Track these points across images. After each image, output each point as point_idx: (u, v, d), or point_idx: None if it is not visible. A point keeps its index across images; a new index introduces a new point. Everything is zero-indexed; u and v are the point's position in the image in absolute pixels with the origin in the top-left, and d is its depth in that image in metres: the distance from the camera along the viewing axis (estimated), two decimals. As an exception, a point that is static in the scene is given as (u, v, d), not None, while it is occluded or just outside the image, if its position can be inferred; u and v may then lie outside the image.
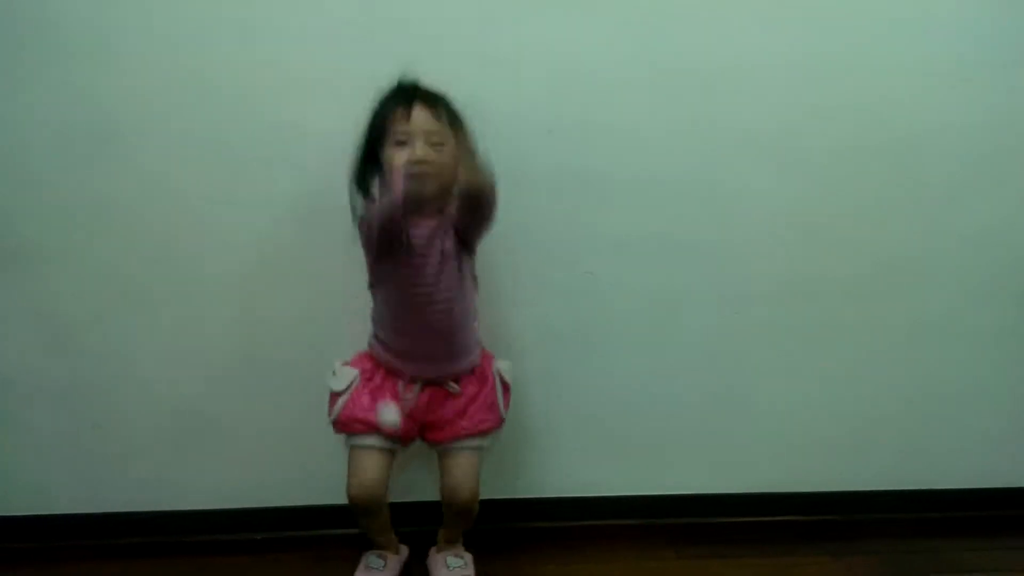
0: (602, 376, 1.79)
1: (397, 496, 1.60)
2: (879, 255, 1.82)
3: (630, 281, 1.75)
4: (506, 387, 1.55)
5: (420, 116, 1.37)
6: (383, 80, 1.45)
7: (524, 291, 1.72)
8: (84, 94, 1.59)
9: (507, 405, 1.55)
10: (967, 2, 1.72)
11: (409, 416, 1.47)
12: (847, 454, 1.89)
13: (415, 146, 1.35)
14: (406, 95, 1.40)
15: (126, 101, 1.60)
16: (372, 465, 1.47)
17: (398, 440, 1.49)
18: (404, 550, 1.64)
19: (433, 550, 1.62)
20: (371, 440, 1.47)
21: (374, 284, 1.47)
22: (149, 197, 1.64)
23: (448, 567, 1.57)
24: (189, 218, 1.66)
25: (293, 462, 1.76)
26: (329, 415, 1.50)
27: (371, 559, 1.58)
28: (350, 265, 1.53)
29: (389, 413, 1.44)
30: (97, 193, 1.63)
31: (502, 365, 1.55)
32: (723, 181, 1.74)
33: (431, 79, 1.45)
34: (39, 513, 1.74)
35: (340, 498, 1.66)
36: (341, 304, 1.66)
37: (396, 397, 1.46)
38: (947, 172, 1.80)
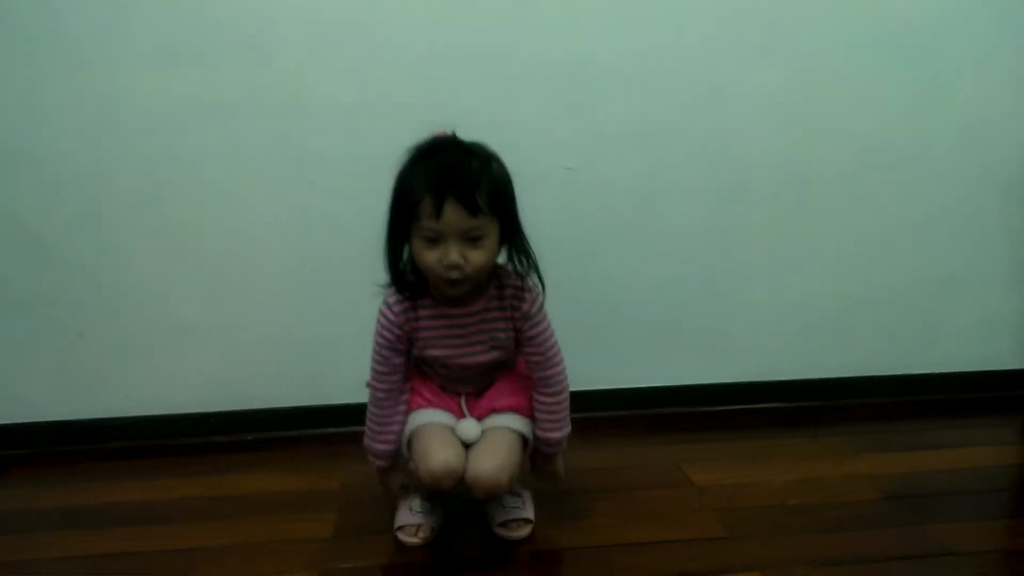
0: (589, 272, 1.79)
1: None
2: (862, 146, 1.82)
3: (612, 174, 1.75)
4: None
5: (454, 214, 1.15)
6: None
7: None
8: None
9: None
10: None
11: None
12: (831, 342, 1.93)
13: (448, 248, 1.17)
14: (437, 182, 1.16)
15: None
16: (449, 439, 1.29)
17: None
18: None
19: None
20: (439, 415, 1.34)
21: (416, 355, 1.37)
22: (123, 99, 1.61)
23: (504, 507, 1.40)
24: (165, 122, 1.63)
25: (277, 364, 1.78)
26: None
27: (415, 503, 1.40)
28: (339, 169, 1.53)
29: (472, 428, 1.31)
30: (73, 97, 1.60)
31: None
32: (710, 68, 1.73)
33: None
34: (25, 421, 1.75)
35: (323, 399, 1.74)
36: (330, 205, 1.68)
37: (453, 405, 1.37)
38: (936, 61, 1.79)
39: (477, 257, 1.19)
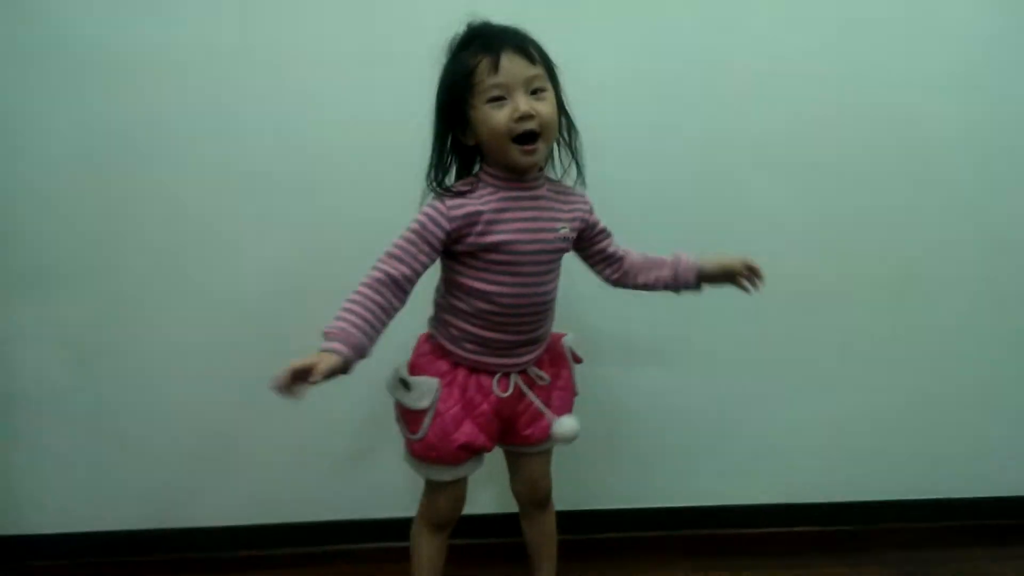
0: (618, 389, 1.79)
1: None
2: (894, 262, 1.82)
3: (649, 297, 1.76)
4: (578, 362, 1.39)
5: (513, 63, 1.12)
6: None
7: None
8: (104, 120, 1.63)
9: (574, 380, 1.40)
10: (974, 8, 1.73)
11: (497, 415, 1.27)
12: (863, 463, 1.89)
13: (516, 99, 1.13)
14: (487, 41, 1.14)
15: (145, 126, 1.64)
16: (460, 493, 1.32)
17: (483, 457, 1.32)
18: None
19: None
20: (467, 471, 1.29)
21: (460, 284, 1.24)
22: (170, 221, 1.68)
23: None
24: (209, 241, 1.69)
25: (312, 479, 1.78)
26: (412, 434, 1.25)
27: None
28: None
29: (570, 424, 1.26)
30: (119, 217, 1.67)
31: (570, 339, 1.38)
32: (735, 189, 1.76)
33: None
34: (65, 532, 1.76)
35: (358, 513, 1.73)
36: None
37: (485, 393, 1.25)
38: (961, 178, 1.80)
39: (546, 108, 1.15)
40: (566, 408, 1.34)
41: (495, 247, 1.18)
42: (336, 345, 1.09)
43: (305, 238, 1.69)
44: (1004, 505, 1.92)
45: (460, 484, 1.31)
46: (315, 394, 1.67)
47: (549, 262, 1.24)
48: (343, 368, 1.10)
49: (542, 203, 1.23)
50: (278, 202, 1.68)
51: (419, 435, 1.24)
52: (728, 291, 1.76)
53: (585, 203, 1.31)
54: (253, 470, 1.77)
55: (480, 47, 1.15)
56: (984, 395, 1.89)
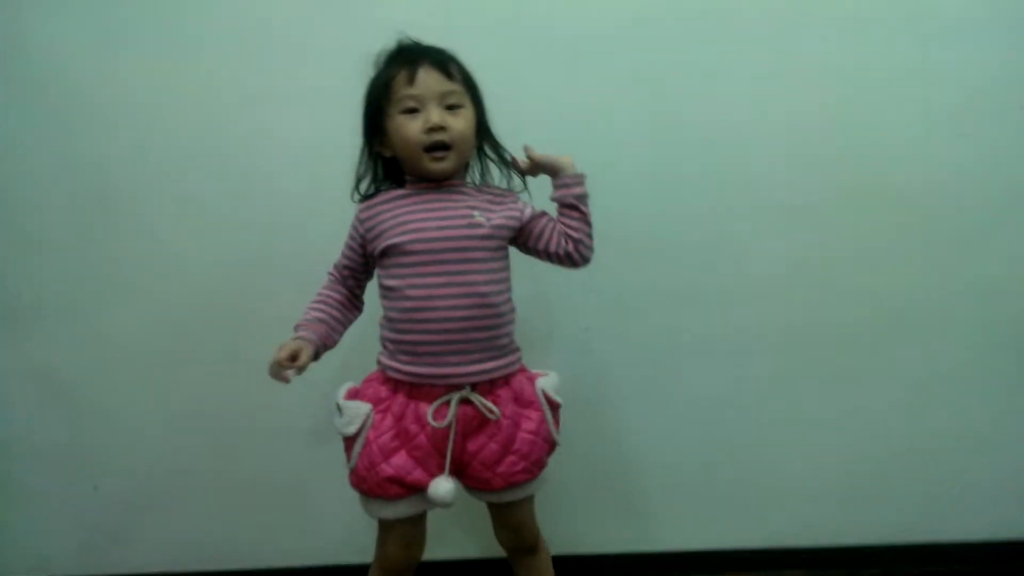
0: (606, 432, 1.79)
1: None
2: (883, 305, 1.82)
3: (630, 335, 1.77)
4: (555, 407, 1.30)
5: (429, 76, 1.17)
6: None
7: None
8: (85, 160, 1.66)
9: (558, 426, 1.31)
10: (962, 52, 1.75)
11: (437, 450, 1.21)
12: (854, 506, 1.88)
13: (429, 111, 1.17)
14: (409, 55, 1.21)
15: (126, 165, 1.66)
16: (416, 535, 1.27)
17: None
18: None
19: None
20: (405, 509, 1.23)
21: (386, 287, 1.25)
22: (149, 260, 1.69)
23: None
24: (188, 281, 1.70)
25: (293, 520, 1.77)
26: (346, 464, 1.25)
27: None
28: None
29: (444, 487, 1.18)
30: (97, 256, 1.68)
31: (546, 382, 1.30)
32: (725, 233, 1.77)
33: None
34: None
35: (347, 558, 1.72)
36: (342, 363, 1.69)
37: (422, 423, 1.20)
38: (951, 221, 1.81)
39: (458, 123, 1.18)
40: (535, 455, 1.25)
41: (399, 247, 1.20)
42: (304, 334, 1.24)
43: (286, 278, 1.68)
44: (995, 550, 1.90)
45: (408, 525, 1.25)
46: (297, 435, 1.71)
47: (469, 250, 1.20)
48: (314, 355, 1.22)
49: (455, 196, 1.24)
50: (258, 236, 1.70)
51: (350, 464, 1.23)
52: (710, 334, 1.78)
53: (516, 201, 1.31)
54: (233, 511, 1.76)
55: (401, 61, 1.21)
56: (974, 439, 1.88)
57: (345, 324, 1.33)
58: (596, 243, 1.35)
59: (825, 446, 1.85)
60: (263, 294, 1.69)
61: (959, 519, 1.90)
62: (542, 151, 1.34)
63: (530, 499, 1.33)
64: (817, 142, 1.75)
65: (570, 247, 1.29)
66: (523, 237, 1.30)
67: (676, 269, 1.76)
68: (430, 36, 1.28)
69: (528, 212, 1.30)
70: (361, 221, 1.26)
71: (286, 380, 1.17)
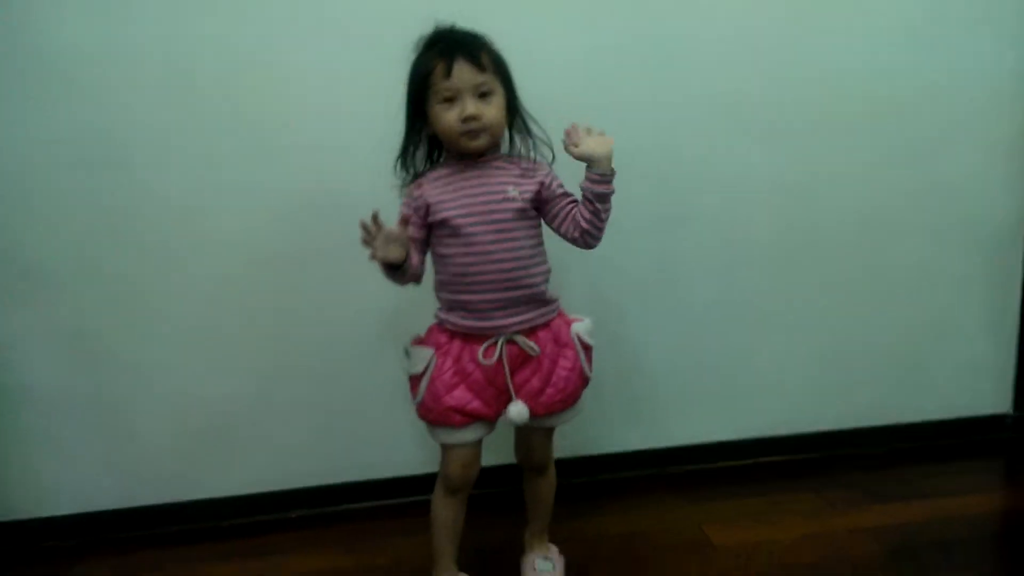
0: (616, 342, 1.92)
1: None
2: (857, 213, 1.99)
3: (624, 259, 1.90)
4: (587, 348, 1.46)
5: (463, 70, 1.30)
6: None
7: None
8: (89, 122, 1.68)
9: (591, 364, 1.47)
10: None
11: (490, 383, 1.38)
12: (828, 396, 2.09)
13: (464, 102, 1.30)
14: (445, 47, 1.32)
15: (129, 126, 1.70)
16: (474, 457, 1.43)
17: (491, 423, 1.43)
18: None
19: (523, 558, 1.60)
20: (469, 435, 1.41)
21: (437, 255, 1.40)
22: (159, 215, 1.75)
23: (536, 570, 1.56)
24: (198, 230, 1.76)
25: (313, 447, 1.90)
26: (412, 399, 1.42)
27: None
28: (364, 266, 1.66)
29: (516, 409, 1.36)
30: (109, 213, 1.73)
31: (580, 327, 1.46)
32: (715, 154, 1.89)
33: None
34: (79, 511, 1.85)
35: (364, 475, 1.86)
36: (355, 303, 1.82)
37: (476, 362, 1.36)
38: (916, 133, 1.97)
39: (490, 111, 1.32)
40: (568, 390, 1.42)
41: (447, 222, 1.34)
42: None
43: (291, 227, 1.78)
44: (949, 427, 2.14)
45: (466, 449, 1.41)
46: (308, 369, 1.81)
47: (504, 222, 1.34)
48: (399, 262, 1.31)
49: (491, 172, 1.37)
50: (262, 195, 1.76)
51: (417, 399, 1.41)
52: (700, 245, 1.92)
53: (545, 172, 1.41)
54: (259, 441, 1.88)
55: (438, 52, 1.32)
56: (924, 326, 2.09)
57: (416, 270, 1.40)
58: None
59: (804, 344, 2.04)
60: (275, 239, 1.78)
61: (917, 401, 2.13)
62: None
63: (548, 429, 1.50)
64: (790, 66, 1.87)
65: (577, 234, 1.40)
66: (543, 208, 1.42)
67: (668, 192, 1.89)
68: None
69: (552, 185, 1.40)
70: (415, 198, 1.38)
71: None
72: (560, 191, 1.41)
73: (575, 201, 1.41)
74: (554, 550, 1.60)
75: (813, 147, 1.93)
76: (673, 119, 1.85)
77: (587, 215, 1.37)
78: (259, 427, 1.86)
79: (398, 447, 1.90)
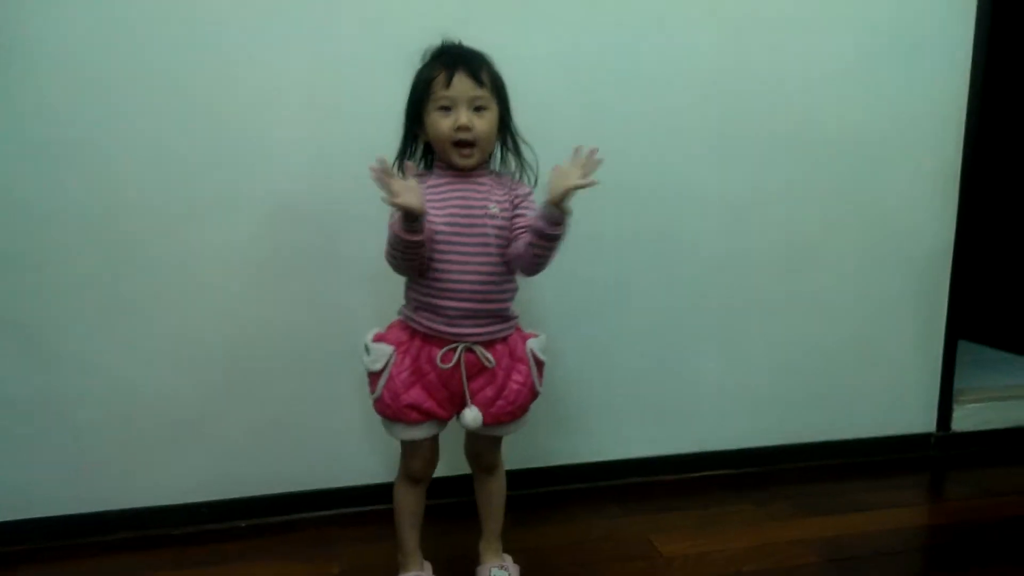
0: (563, 356, 1.96)
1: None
2: (792, 236, 2.11)
3: (581, 273, 1.97)
4: (540, 364, 1.51)
5: (462, 82, 1.37)
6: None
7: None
8: (56, 110, 1.67)
9: (542, 379, 1.52)
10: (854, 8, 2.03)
11: (444, 386, 1.43)
12: (766, 414, 2.18)
13: (459, 112, 1.37)
14: (449, 59, 1.39)
15: (97, 116, 1.69)
16: (433, 451, 1.50)
17: (444, 421, 1.47)
18: (428, 567, 1.60)
19: (478, 568, 1.61)
20: (423, 432, 1.45)
21: None
22: (122, 207, 1.74)
23: None
24: (162, 225, 1.76)
25: (268, 455, 1.90)
26: (371, 394, 1.45)
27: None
28: (328, 265, 1.73)
29: (470, 414, 1.41)
30: (71, 204, 1.71)
31: (535, 343, 1.50)
32: (665, 174, 1.99)
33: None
34: (23, 517, 1.80)
35: (315, 484, 1.88)
36: (318, 303, 1.84)
37: (433, 364, 1.40)
38: (844, 162, 2.11)
39: (482, 124, 1.39)
40: (520, 401, 1.47)
41: (436, 233, 1.38)
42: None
43: (260, 220, 1.80)
44: (878, 444, 2.26)
45: (424, 444, 1.47)
46: (266, 371, 1.82)
47: (483, 236, 1.40)
48: (415, 215, 1.28)
49: (476, 187, 1.43)
50: (235, 186, 1.77)
51: (375, 395, 1.45)
52: (639, 264, 2.00)
53: (524, 191, 1.47)
54: (214, 446, 1.87)
55: (442, 63, 1.40)
56: (855, 346, 2.21)
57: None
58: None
59: (740, 361, 2.14)
60: (239, 233, 1.80)
61: (851, 420, 2.25)
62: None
63: (495, 437, 1.55)
64: (736, 95, 2.00)
65: (522, 263, 1.41)
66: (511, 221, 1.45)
67: (620, 215, 1.97)
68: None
69: (521, 205, 1.44)
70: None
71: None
72: (524, 214, 1.44)
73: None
74: (508, 559, 1.64)
75: (754, 170, 2.05)
76: (628, 142, 1.94)
77: (533, 249, 1.36)
78: (209, 433, 1.86)
79: (352, 457, 1.92)
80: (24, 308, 1.73)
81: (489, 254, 1.40)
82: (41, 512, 1.81)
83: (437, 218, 1.38)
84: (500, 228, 1.41)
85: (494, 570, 1.60)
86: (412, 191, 1.27)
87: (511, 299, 1.47)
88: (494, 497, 1.62)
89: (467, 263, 1.39)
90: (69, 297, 1.75)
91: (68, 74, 1.66)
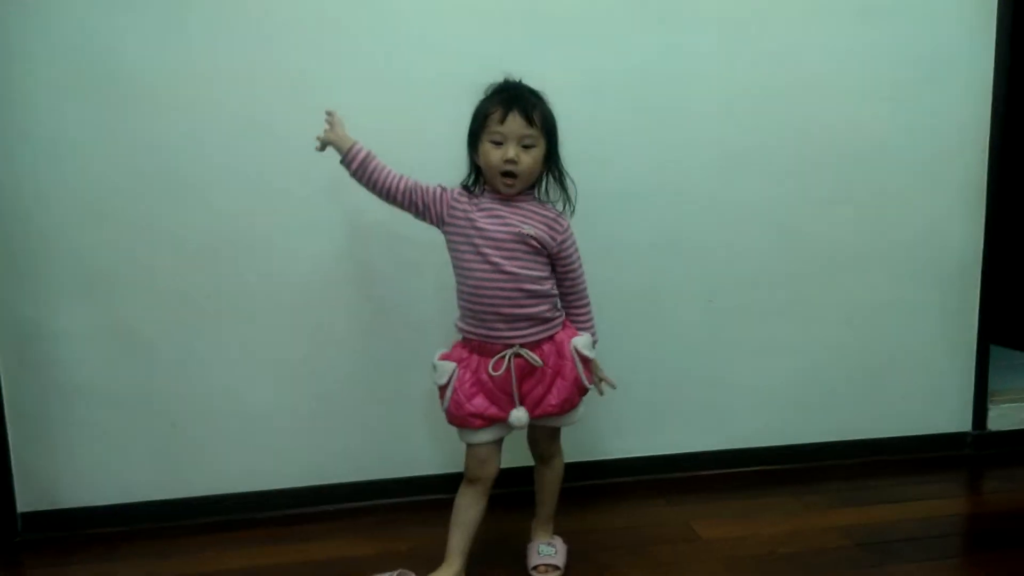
0: (606, 363, 2.07)
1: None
2: (830, 249, 2.25)
3: (621, 281, 2.12)
4: (585, 360, 1.65)
5: (515, 121, 1.54)
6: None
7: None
8: (150, 140, 1.90)
9: (590, 376, 1.66)
10: (893, 32, 2.18)
11: (503, 391, 1.60)
12: (807, 413, 2.31)
13: (508, 148, 1.54)
14: (506, 97, 1.56)
15: (188, 144, 1.92)
16: (489, 454, 1.64)
17: (507, 425, 1.62)
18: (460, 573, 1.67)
19: (528, 544, 1.79)
20: (486, 436, 1.62)
21: (456, 268, 1.62)
22: (219, 234, 1.96)
23: (539, 553, 1.74)
24: (254, 248, 1.98)
25: (347, 447, 2.09)
26: (441, 405, 1.64)
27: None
28: (399, 277, 1.94)
29: (516, 414, 1.59)
30: (166, 226, 1.94)
31: (579, 341, 1.65)
32: (705, 185, 2.15)
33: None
34: (125, 501, 2.02)
35: (386, 473, 2.08)
36: (390, 311, 2.04)
37: (491, 375, 1.59)
38: (885, 180, 2.25)
39: (528, 159, 1.56)
40: (563, 396, 1.63)
41: (468, 240, 1.58)
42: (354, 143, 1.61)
43: (332, 236, 2.00)
44: (912, 442, 2.36)
45: (483, 447, 1.63)
46: (343, 376, 2.01)
47: (516, 251, 1.57)
48: (339, 150, 1.60)
49: (516, 210, 1.61)
50: (307, 204, 1.98)
51: (444, 405, 1.64)
52: (686, 273, 2.15)
53: (560, 226, 1.64)
54: (291, 436, 2.06)
55: (499, 100, 1.57)
56: (893, 353, 2.32)
57: (381, 181, 1.62)
58: (587, 198, 1.75)
59: (782, 365, 2.27)
60: (319, 251, 2.00)
61: (888, 420, 2.35)
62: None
63: (554, 428, 1.73)
64: (777, 111, 2.15)
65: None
66: (552, 259, 1.65)
67: (657, 223, 2.13)
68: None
69: (558, 242, 1.63)
70: (442, 202, 1.63)
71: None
72: (563, 256, 1.64)
73: (572, 268, 1.67)
74: (557, 539, 1.79)
75: (794, 188, 2.19)
76: (663, 155, 2.11)
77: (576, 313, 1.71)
78: (290, 426, 2.06)
79: (420, 450, 2.11)
80: (134, 318, 1.96)
81: (518, 267, 1.57)
82: (140, 497, 2.02)
83: (471, 231, 1.58)
84: (532, 247, 1.58)
85: (542, 546, 1.76)
86: (334, 132, 1.59)
87: (546, 304, 1.61)
88: (548, 483, 1.79)
89: (497, 273, 1.56)
90: (172, 310, 1.97)
91: (179, 113, 1.90)
